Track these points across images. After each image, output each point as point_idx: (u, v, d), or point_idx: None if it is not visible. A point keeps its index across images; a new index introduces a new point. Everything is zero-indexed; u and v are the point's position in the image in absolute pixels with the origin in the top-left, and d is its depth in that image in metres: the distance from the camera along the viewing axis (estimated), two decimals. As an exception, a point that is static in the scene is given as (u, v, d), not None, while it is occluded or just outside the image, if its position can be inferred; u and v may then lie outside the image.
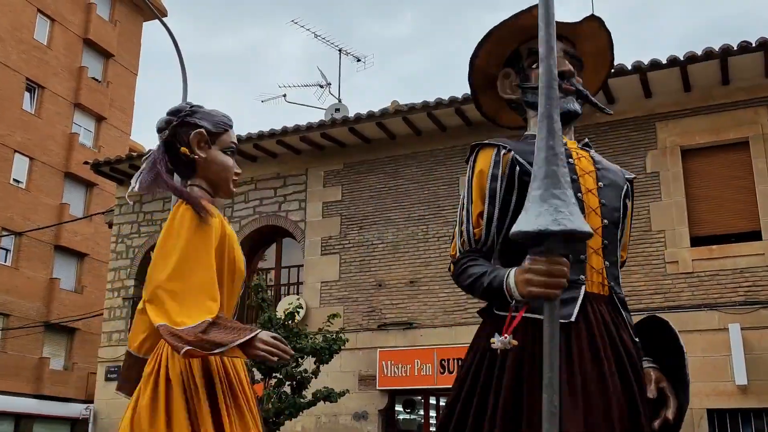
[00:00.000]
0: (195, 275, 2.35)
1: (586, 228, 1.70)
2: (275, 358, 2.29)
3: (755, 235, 11.44)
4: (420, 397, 13.26)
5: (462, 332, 12.64)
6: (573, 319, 2.03)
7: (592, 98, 2.35)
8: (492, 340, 1.97)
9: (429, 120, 13.32)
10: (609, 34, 2.38)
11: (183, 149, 2.62)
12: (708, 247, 11.59)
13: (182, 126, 2.66)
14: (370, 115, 13.47)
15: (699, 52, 11.31)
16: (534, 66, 2.28)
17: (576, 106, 2.28)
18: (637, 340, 2.17)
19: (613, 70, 10.83)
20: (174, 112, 2.69)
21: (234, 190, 2.74)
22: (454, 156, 13.50)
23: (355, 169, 14.36)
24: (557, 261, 1.79)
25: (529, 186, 1.77)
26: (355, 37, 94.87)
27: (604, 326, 2.08)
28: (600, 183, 2.23)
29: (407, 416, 13.60)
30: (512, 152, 2.19)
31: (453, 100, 12.77)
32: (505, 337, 1.94)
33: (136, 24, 33.15)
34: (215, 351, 2.21)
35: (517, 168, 2.16)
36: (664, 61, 11.52)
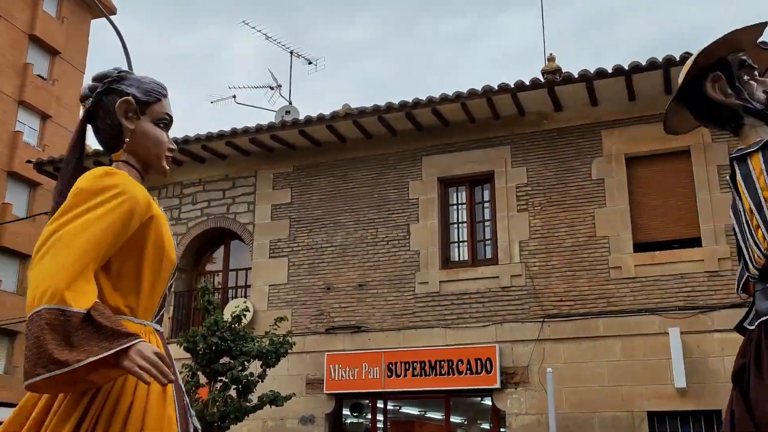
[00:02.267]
0: None
1: None
2: (149, 379, 1.86)
3: (695, 242, 11.73)
4: (367, 401, 13.25)
5: (410, 336, 12.70)
6: None
7: None
8: None
9: (380, 124, 13.34)
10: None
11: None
12: (650, 253, 11.83)
13: (108, 94, 2.32)
14: (321, 118, 13.43)
15: (644, 63, 11.58)
16: (747, 78, 2.44)
17: None
18: None
19: (560, 77, 10.87)
20: (99, 78, 2.36)
21: (167, 167, 2.39)
22: (405, 160, 13.56)
23: (305, 171, 14.32)
24: None
25: None
26: (309, 40, 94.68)
27: None
28: None
29: (354, 420, 13.59)
30: None
31: (404, 105, 12.82)
32: None
33: (84, 21, 32.54)
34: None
35: None
36: (610, 71, 11.76)
